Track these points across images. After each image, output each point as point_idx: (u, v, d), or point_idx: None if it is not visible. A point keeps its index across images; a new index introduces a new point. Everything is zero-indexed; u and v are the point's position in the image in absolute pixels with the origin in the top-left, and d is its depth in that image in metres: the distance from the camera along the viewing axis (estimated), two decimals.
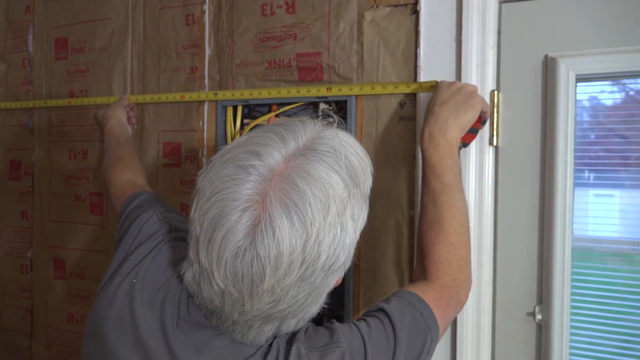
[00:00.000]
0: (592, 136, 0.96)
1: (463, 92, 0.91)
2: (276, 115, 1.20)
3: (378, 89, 1.06)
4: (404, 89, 1.04)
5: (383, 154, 1.07)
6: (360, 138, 1.08)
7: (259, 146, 0.59)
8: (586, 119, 0.96)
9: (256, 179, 0.57)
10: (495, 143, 0.98)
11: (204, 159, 1.25)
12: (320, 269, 0.58)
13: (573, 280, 0.93)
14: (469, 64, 0.98)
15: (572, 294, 0.92)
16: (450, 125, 0.88)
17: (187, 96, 1.26)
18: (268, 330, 0.63)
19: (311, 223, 0.56)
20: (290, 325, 0.64)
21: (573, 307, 0.93)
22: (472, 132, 0.94)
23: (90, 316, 0.71)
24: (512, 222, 0.97)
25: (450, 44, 1.01)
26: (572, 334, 0.94)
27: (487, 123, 0.97)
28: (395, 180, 1.06)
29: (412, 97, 1.04)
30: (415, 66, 1.04)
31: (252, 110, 1.22)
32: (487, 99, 0.97)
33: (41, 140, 1.51)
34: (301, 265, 0.56)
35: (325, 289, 0.63)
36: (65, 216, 1.47)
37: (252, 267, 0.55)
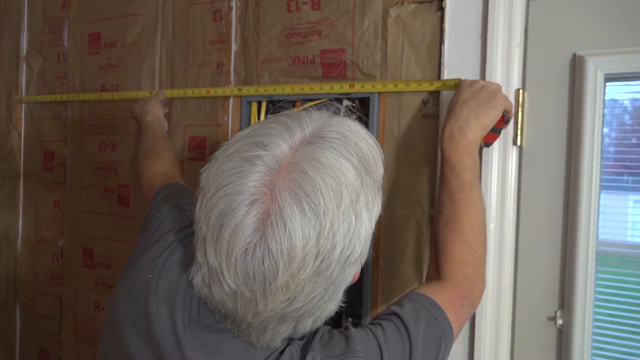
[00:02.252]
0: (634, 139, 0.92)
1: (485, 91, 0.89)
2: None
3: (401, 87, 1.05)
4: (427, 87, 1.02)
5: (405, 153, 1.06)
6: (382, 136, 1.08)
7: (264, 137, 0.58)
8: (628, 121, 0.93)
9: (263, 170, 0.55)
10: (519, 143, 0.96)
11: None
12: (337, 261, 0.56)
13: (597, 285, 0.90)
14: (494, 62, 0.96)
15: (596, 299, 0.90)
16: (471, 124, 0.87)
17: (213, 91, 1.27)
18: (284, 331, 0.62)
19: (324, 212, 0.53)
20: (307, 325, 0.62)
21: (596, 313, 0.90)
22: (495, 132, 0.93)
23: (109, 306, 0.71)
24: (535, 224, 0.95)
25: (476, 41, 0.99)
26: (594, 340, 0.91)
27: (511, 122, 0.95)
28: (416, 179, 1.05)
29: (436, 95, 1.03)
30: (440, 64, 1.02)
31: (276, 106, 1.23)
32: (512, 97, 0.95)
33: (74, 132, 1.55)
34: (316, 258, 0.54)
35: (342, 284, 0.60)
36: (94, 207, 1.51)
37: (263, 263, 0.53)
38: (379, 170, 0.62)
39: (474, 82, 0.91)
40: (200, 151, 1.31)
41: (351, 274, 0.61)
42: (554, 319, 0.93)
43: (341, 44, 1.12)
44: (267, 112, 1.23)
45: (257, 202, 0.54)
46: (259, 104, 1.23)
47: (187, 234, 0.73)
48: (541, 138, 0.95)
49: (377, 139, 1.08)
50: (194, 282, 0.61)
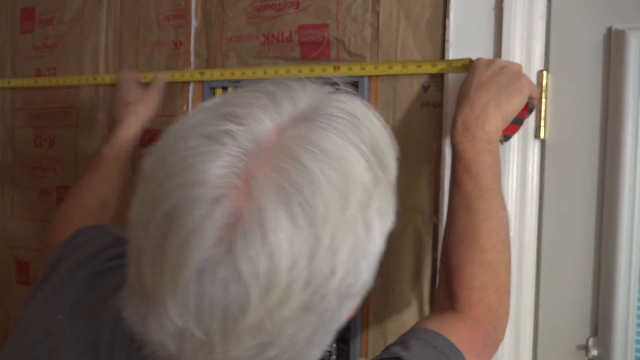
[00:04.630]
0: None
1: (507, 73, 0.73)
2: None
3: (396, 69, 0.87)
4: (429, 69, 0.85)
5: (401, 148, 0.88)
6: None
7: (238, 107, 0.39)
8: None
9: (234, 153, 0.36)
10: (541, 136, 0.80)
11: None
12: (335, 292, 0.38)
13: None
14: (512, 39, 0.79)
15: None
16: (490, 113, 0.70)
17: (170, 76, 1.07)
18: None
19: (323, 220, 0.36)
20: None
21: None
22: (516, 123, 0.76)
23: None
24: (561, 234, 0.79)
25: (488, 13, 0.82)
26: None
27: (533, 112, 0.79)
28: (415, 180, 0.88)
29: (439, 78, 0.86)
30: (443, 41, 0.85)
31: None
32: (534, 81, 0.79)
33: (4, 125, 1.32)
34: (306, 286, 0.36)
35: (334, 324, 0.42)
36: (29, 212, 1.29)
37: (227, 291, 0.35)
38: (393, 167, 0.45)
39: (491, 61, 0.75)
40: None
41: (349, 309, 0.42)
42: (585, 347, 0.78)
43: (323, 19, 0.93)
44: None
45: (223, 199, 0.35)
46: (225, 90, 1.04)
47: (115, 255, 0.53)
48: (568, 129, 0.79)
49: None
50: (124, 313, 0.41)
